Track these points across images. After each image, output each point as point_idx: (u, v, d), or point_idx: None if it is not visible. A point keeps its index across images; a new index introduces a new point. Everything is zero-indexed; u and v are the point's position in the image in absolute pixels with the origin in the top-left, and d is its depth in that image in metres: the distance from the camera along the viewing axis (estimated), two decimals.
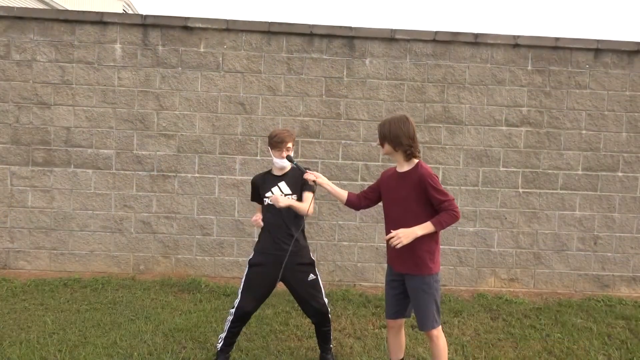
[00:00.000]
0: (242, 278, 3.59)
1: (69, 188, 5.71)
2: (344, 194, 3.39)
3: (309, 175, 3.37)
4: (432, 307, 3.09)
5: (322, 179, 3.36)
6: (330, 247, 5.79)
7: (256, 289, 3.52)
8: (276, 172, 3.62)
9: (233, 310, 3.52)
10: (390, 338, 3.37)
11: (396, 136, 3.06)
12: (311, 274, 3.55)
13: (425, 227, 2.97)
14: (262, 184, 3.62)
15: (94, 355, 3.69)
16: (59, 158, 5.69)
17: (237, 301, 3.53)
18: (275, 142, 3.49)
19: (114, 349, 3.81)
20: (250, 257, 3.60)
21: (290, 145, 3.53)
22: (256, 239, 5.67)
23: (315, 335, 3.78)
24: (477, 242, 5.84)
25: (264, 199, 3.57)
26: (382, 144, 3.16)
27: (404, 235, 2.95)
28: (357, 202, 3.38)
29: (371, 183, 5.77)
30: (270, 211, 3.54)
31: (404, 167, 3.14)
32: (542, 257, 5.86)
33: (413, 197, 3.04)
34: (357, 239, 5.81)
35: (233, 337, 3.56)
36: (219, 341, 3.57)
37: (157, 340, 4.00)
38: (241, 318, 3.51)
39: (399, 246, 2.94)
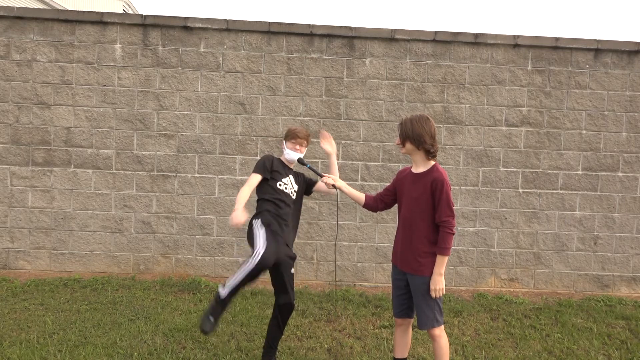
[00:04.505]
0: (256, 235, 3.33)
1: (69, 188, 5.71)
2: (361, 196, 3.43)
3: (328, 179, 3.41)
4: (433, 307, 3.10)
5: (340, 183, 3.42)
6: (330, 247, 5.79)
7: (277, 244, 3.33)
8: (286, 163, 3.71)
9: (256, 259, 3.19)
10: (396, 336, 3.39)
11: (419, 135, 3.06)
12: (293, 268, 3.60)
13: (440, 263, 3.04)
14: (278, 167, 3.62)
15: (94, 355, 3.69)
16: (59, 158, 5.69)
17: (260, 251, 3.21)
18: (292, 134, 3.65)
19: (114, 349, 3.81)
20: (258, 219, 3.44)
21: (304, 142, 3.68)
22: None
23: (268, 329, 3.62)
24: (477, 242, 5.84)
25: (278, 182, 3.57)
26: (403, 143, 3.16)
27: (437, 283, 3.04)
28: (375, 205, 3.41)
29: (371, 183, 5.77)
30: (283, 198, 3.54)
31: (420, 168, 3.14)
32: (542, 257, 5.86)
33: (424, 198, 3.05)
34: (357, 239, 5.81)
35: (240, 290, 3.35)
36: (224, 290, 3.31)
37: (157, 340, 4.00)
38: (264, 268, 3.25)
39: (440, 293, 3.06)
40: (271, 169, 3.58)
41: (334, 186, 3.41)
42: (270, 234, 3.38)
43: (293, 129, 3.67)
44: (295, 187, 3.66)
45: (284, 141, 3.71)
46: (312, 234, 5.76)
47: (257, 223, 3.46)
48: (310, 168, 3.59)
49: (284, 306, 3.55)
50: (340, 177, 5.69)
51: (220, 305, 3.36)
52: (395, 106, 5.75)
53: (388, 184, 5.76)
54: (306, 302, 4.99)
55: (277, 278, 3.53)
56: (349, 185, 5.69)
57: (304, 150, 3.71)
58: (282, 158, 3.72)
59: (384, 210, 3.46)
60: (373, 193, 5.73)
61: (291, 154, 3.65)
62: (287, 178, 3.63)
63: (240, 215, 3.24)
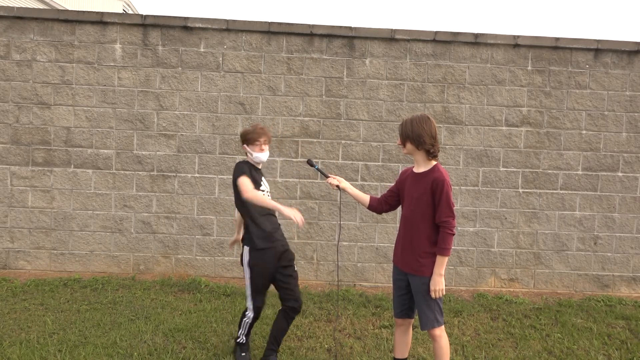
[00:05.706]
0: (246, 281, 3.63)
1: (69, 188, 5.71)
2: (366, 198, 3.44)
3: (333, 180, 3.42)
4: (433, 307, 3.10)
5: (344, 184, 3.43)
6: (330, 247, 5.79)
7: (263, 286, 3.62)
8: (257, 166, 3.68)
9: (251, 314, 3.64)
10: (397, 336, 3.39)
11: (419, 135, 3.07)
12: (295, 267, 3.74)
13: (440, 263, 3.05)
14: (253, 173, 3.57)
15: (94, 355, 3.69)
16: (59, 158, 5.69)
17: (250, 304, 3.63)
18: (253, 136, 3.56)
19: (114, 349, 3.81)
20: (247, 258, 3.57)
21: (267, 140, 3.61)
22: None
23: (268, 328, 3.65)
24: (477, 242, 5.84)
25: (260, 191, 3.56)
26: (403, 144, 3.17)
27: (437, 284, 3.05)
28: (379, 207, 3.42)
29: (371, 183, 5.77)
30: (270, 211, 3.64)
31: (421, 168, 3.16)
32: (542, 257, 5.86)
33: (425, 199, 3.06)
34: (357, 239, 5.81)
35: (250, 330, 3.76)
36: (240, 338, 3.71)
37: (157, 340, 4.00)
38: (259, 315, 3.69)
39: (440, 294, 3.07)
40: (252, 177, 3.51)
41: (338, 187, 3.42)
42: (257, 275, 3.55)
43: (251, 131, 3.57)
44: (268, 187, 3.72)
45: (245, 145, 3.60)
46: (312, 234, 5.76)
47: (246, 258, 3.58)
48: (317, 170, 3.65)
49: (293, 309, 3.63)
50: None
51: (243, 347, 3.72)
52: (395, 106, 5.75)
53: (388, 184, 5.77)
54: (306, 302, 5.00)
55: (282, 287, 3.62)
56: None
57: (268, 147, 3.64)
58: (249, 161, 3.63)
59: (388, 212, 3.47)
60: (373, 193, 5.73)
61: (260, 156, 3.58)
62: (262, 183, 3.63)
63: (294, 212, 3.24)
